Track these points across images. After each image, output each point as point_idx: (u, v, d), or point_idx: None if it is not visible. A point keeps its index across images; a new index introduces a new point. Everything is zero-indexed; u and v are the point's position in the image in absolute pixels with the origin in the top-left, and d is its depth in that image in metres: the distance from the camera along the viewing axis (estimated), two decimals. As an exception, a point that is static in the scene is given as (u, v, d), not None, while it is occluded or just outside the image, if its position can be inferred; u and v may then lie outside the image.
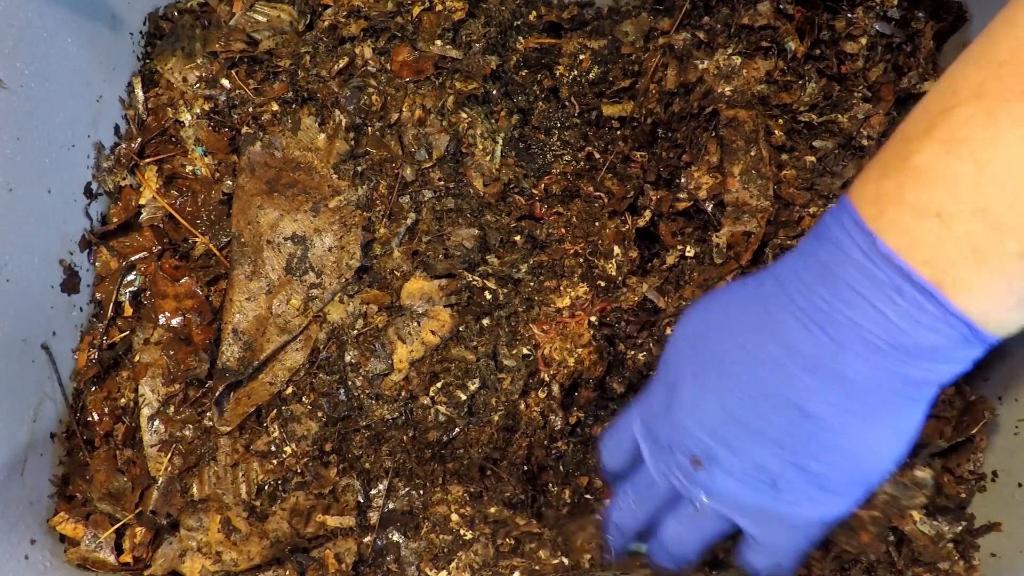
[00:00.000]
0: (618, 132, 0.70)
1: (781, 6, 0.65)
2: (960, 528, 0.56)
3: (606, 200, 0.67)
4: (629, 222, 0.65)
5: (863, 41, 0.66)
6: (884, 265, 0.37)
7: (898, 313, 0.37)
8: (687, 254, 0.63)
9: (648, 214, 0.65)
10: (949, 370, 0.39)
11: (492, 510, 0.59)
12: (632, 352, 0.63)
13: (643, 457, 0.49)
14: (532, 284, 0.65)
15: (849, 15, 0.67)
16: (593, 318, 0.63)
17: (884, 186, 0.38)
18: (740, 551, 0.49)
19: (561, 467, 0.61)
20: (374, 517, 0.60)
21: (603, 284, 0.65)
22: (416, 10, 0.71)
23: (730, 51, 0.65)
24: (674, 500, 0.49)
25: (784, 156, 0.64)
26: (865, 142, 0.60)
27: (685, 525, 0.49)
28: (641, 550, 0.55)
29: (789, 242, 0.60)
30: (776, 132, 0.64)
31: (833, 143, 0.63)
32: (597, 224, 0.67)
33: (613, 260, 0.65)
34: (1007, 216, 0.34)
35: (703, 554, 0.50)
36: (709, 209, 0.62)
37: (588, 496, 0.61)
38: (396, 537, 0.60)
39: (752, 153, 0.62)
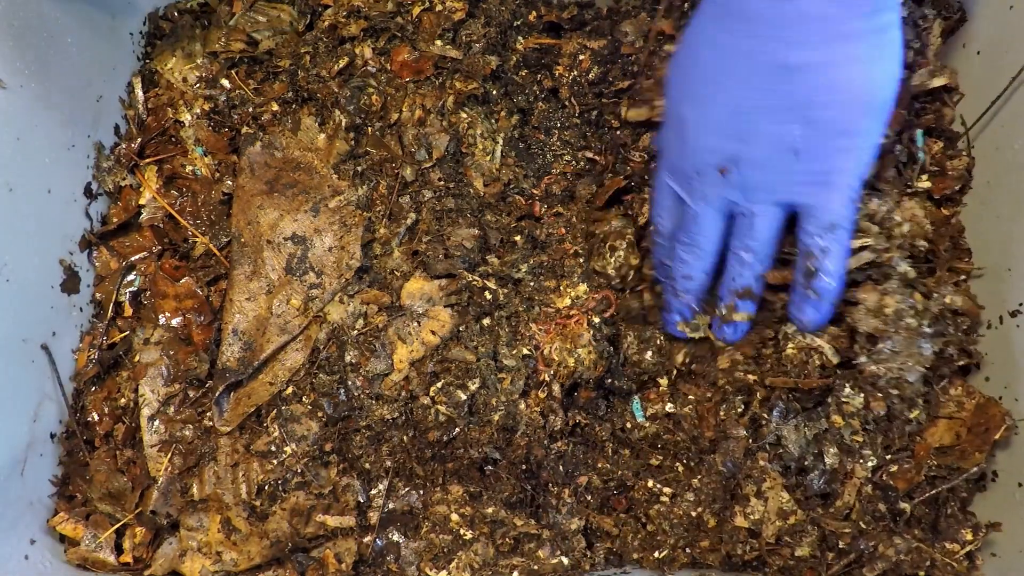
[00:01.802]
0: (618, 132, 0.70)
1: None
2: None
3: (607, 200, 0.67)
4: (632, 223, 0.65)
5: None
6: None
7: None
8: None
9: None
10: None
11: (491, 510, 0.59)
12: (635, 350, 0.63)
13: (685, 203, 0.55)
14: (532, 284, 0.65)
15: None
16: (596, 318, 0.63)
17: None
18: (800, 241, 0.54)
19: (561, 467, 0.61)
20: (374, 517, 0.60)
21: (606, 280, 0.65)
22: (416, 10, 0.71)
23: None
24: (725, 230, 0.55)
25: None
26: (883, 140, 0.60)
27: (746, 235, 0.54)
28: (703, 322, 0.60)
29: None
30: None
31: None
32: (598, 222, 0.67)
33: (613, 258, 0.64)
34: None
35: (772, 261, 0.56)
36: None
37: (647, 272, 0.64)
38: (396, 537, 0.60)
39: None
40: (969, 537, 0.56)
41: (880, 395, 0.57)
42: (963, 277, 0.62)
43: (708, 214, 0.54)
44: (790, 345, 0.59)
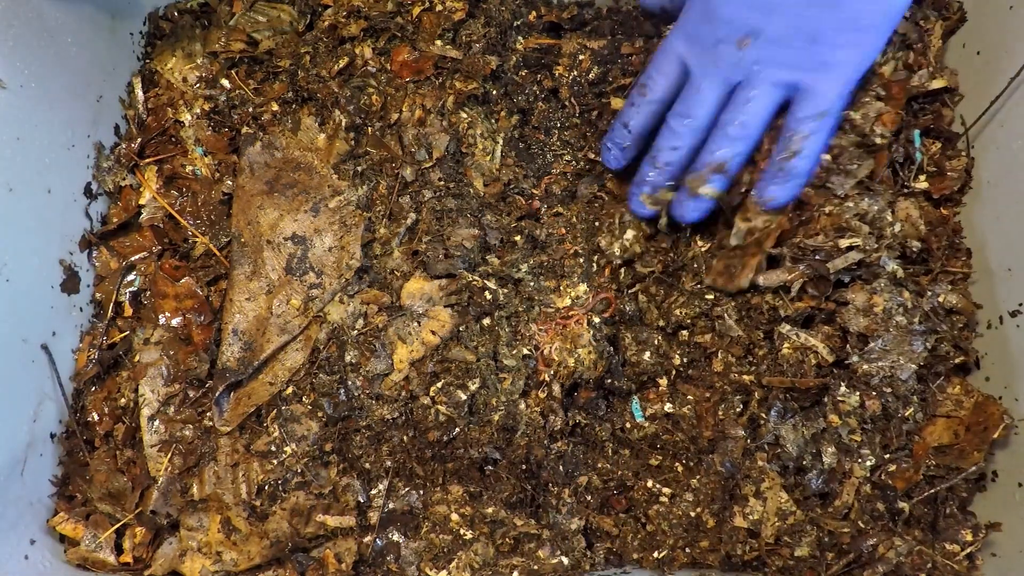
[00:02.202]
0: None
1: None
2: None
3: (607, 199, 0.67)
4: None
5: None
6: None
7: None
8: (698, 244, 0.64)
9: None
10: None
11: (491, 510, 0.59)
12: (635, 349, 0.63)
13: (689, 74, 0.57)
14: (532, 284, 0.65)
15: None
16: (596, 318, 0.63)
17: None
18: (787, 124, 0.56)
19: (561, 467, 0.61)
20: (374, 517, 0.60)
21: (609, 276, 0.65)
22: (416, 10, 0.71)
23: None
24: (721, 104, 0.57)
25: None
26: (878, 140, 0.60)
27: (740, 111, 0.56)
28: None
29: (807, 241, 0.60)
30: None
31: (847, 141, 0.63)
32: (604, 213, 0.67)
33: (620, 242, 0.65)
34: None
35: (755, 142, 0.58)
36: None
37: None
38: (396, 537, 0.60)
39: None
40: (969, 537, 0.56)
41: (874, 393, 0.57)
42: (960, 276, 0.62)
43: (713, 86, 0.56)
44: (786, 345, 0.59)
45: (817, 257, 0.59)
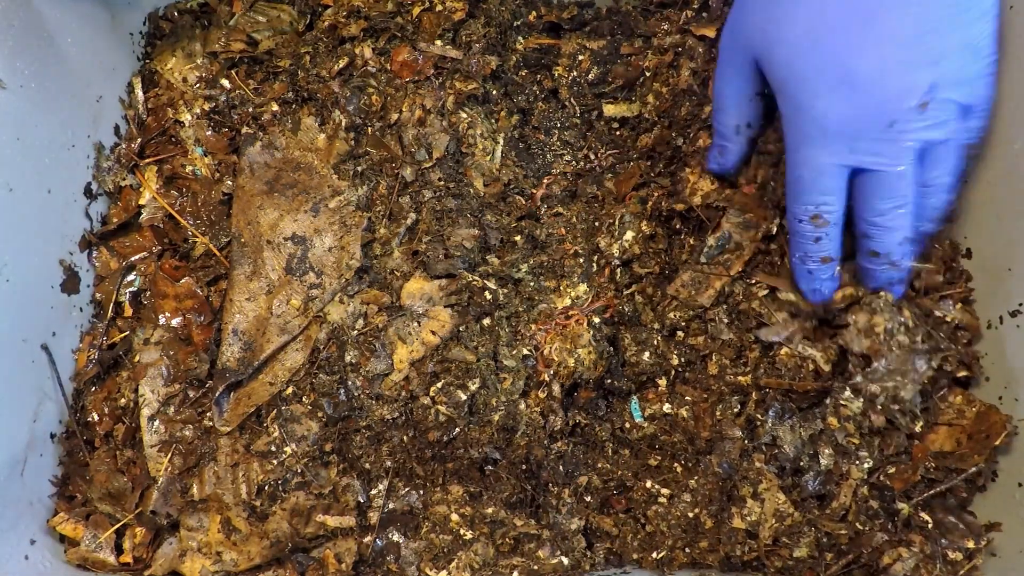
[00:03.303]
0: (618, 132, 0.70)
1: None
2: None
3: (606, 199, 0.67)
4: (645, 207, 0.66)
5: None
6: None
7: None
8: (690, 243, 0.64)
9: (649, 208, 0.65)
10: None
11: (491, 510, 0.59)
12: (634, 349, 0.63)
13: (867, 171, 0.48)
14: (532, 284, 0.65)
15: None
16: (596, 318, 0.63)
17: None
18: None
19: (561, 467, 0.61)
20: (374, 517, 0.60)
21: (608, 275, 0.65)
22: (416, 10, 0.71)
23: None
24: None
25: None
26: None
27: (933, 170, 0.49)
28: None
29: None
30: None
31: None
32: (604, 213, 0.67)
33: (619, 243, 0.65)
34: None
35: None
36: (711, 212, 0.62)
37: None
38: (396, 537, 0.60)
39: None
40: (969, 539, 0.56)
41: (880, 408, 0.57)
42: (960, 295, 0.62)
43: (909, 166, 0.47)
44: (783, 351, 0.59)
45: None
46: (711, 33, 0.66)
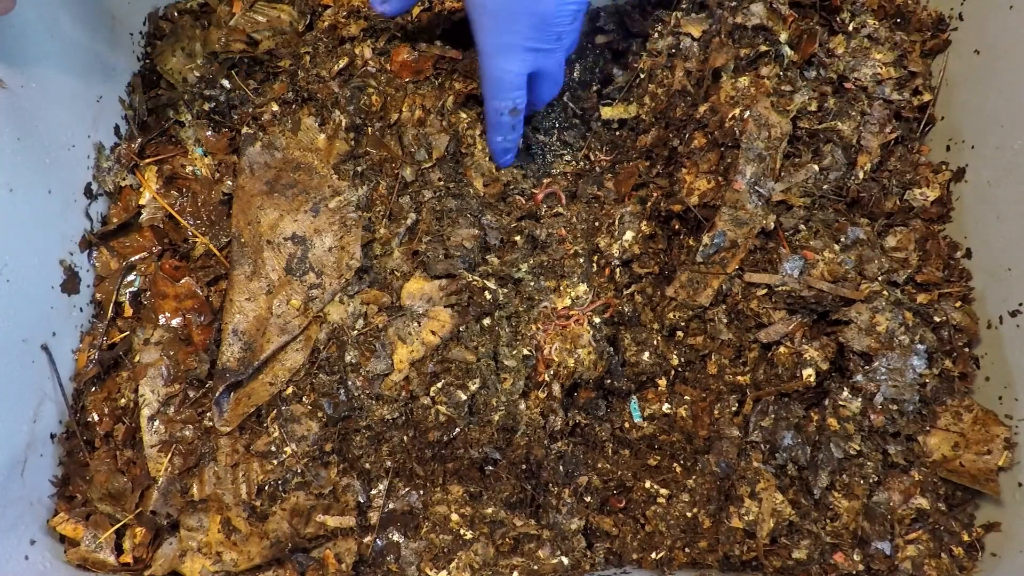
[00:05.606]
0: (617, 133, 0.70)
1: (775, 6, 0.65)
2: None
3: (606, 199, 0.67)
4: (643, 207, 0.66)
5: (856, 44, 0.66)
6: None
7: None
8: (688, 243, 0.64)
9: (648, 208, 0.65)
10: None
11: (491, 510, 0.59)
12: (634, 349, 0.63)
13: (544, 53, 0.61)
14: (532, 284, 0.65)
15: (845, 31, 0.67)
16: (596, 318, 0.63)
17: None
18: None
19: (561, 467, 0.61)
20: (374, 517, 0.60)
21: (608, 275, 0.65)
22: (416, 10, 0.71)
23: (731, 54, 0.65)
24: None
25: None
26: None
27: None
28: None
29: (804, 292, 0.61)
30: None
31: (831, 159, 0.63)
32: (604, 213, 0.67)
33: (619, 243, 0.65)
34: None
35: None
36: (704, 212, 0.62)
37: None
38: (396, 537, 0.60)
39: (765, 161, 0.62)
40: (969, 538, 0.56)
41: (880, 408, 0.57)
42: (959, 295, 0.62)
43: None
44: (781, 349, 0.59)
45: (812, 304, 0.59)
46: (696, 32, 0.67)
